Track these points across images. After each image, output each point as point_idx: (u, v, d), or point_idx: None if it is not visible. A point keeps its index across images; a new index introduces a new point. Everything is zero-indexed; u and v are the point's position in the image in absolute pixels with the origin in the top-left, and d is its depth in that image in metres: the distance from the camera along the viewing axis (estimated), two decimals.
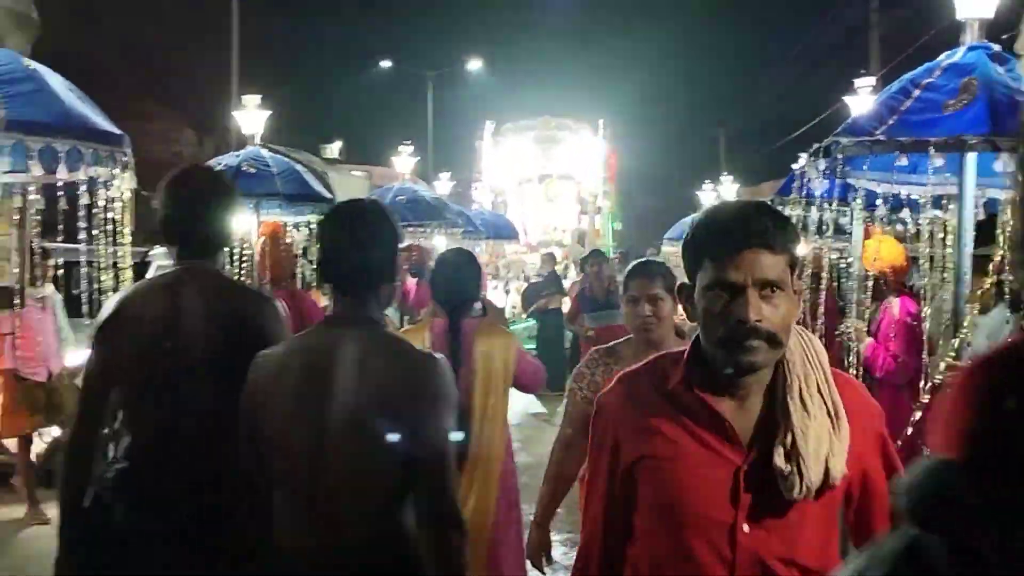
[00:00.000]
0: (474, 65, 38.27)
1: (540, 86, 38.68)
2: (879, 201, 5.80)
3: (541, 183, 20.59)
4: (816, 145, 4.98)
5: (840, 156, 4.39)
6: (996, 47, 4.05)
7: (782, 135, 30.28)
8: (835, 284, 8.23)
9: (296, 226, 8.30)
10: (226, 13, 23.06)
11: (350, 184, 21.59)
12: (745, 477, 2.18)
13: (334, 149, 37.93)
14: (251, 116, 7.90)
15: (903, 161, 3.98)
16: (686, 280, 2.30)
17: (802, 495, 2.13)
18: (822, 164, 4.73)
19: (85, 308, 5.59)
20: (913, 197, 5.40)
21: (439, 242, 11.35)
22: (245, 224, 7.90)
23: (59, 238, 5.84)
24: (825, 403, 2.21)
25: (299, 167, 8.32)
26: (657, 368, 2.42)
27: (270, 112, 8.09)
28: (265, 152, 7.89)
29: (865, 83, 6.83)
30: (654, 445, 2.30)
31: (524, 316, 15.51)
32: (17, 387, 7.13)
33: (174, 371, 3.24)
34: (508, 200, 20.47)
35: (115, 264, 5.28)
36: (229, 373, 2.94)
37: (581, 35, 51.02)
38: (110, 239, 5.34)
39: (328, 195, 8.14)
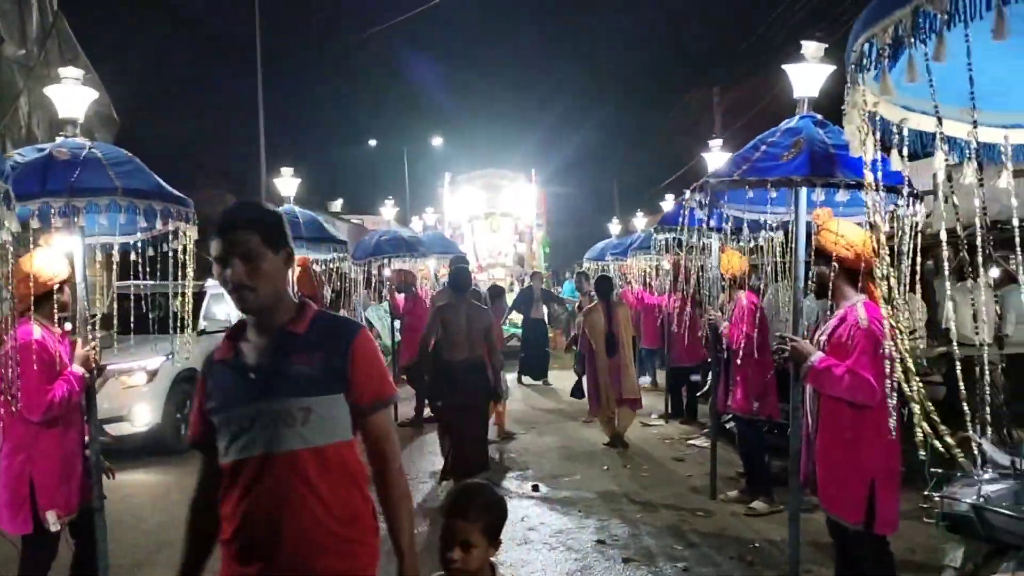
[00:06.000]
0: (437, 140, 38.43)
1: (487, 148, 39.24)
2: (726, 225, 5.96)
3: (487, 219, 20.62)
4: (694, 184, 5.07)
5: (710, 191, 4.47)
6: (819, 116, 4.21)
7: (657, 183, 30.74)
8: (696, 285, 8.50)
9: (324, 262, 8.72)
10: (254, 107, 22.84)
11: (350, 230, 21.60)
12: None
13: (337, 204, 37.86)
14: (286, 182, 8.13)
15: (750, 194, 4.10)
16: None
17: None
18: (696, 198, 4.80)
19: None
20: (769, 222, 5.55)
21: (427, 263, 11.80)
22: None
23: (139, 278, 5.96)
24: None
25: (320, 218, 8.57)
26: None
27: (300, 180, 8.25)
28: (296, 208, 8.03)
29: (716, 143, 7.06)
30: None
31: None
32: None
33: None
34: (463, 232, 20.45)
35: (182, 293, 5.59)
36: None
37: (517, 110, 52.23)
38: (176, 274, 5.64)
39: (342, 238, 8.39)
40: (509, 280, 19.66)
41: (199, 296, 9.86)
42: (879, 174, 2.14)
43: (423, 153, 38.84)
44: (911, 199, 4.15)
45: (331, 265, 9.01)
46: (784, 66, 4.32)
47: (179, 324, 7.24)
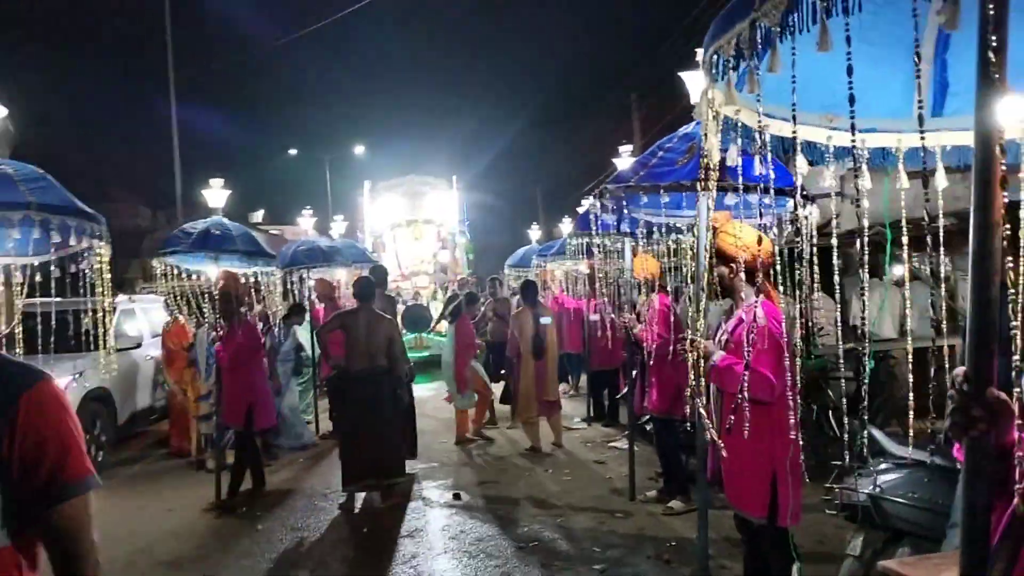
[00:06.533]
0: (359, 149, 38.11)
1: (409, 155, 39.14)
2: (639, 228, 6.06)
3: (409, 227, 20.35)
4: (596, 190, 5.15)
5: (610, 196, 4.54)
6: None
7: (578, 188, 31.07)
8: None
9: (254, 275, 8.38)
10: (168, 116, 22.31)
11: (268, 241, 21.20)
12: None
13: (258, 215, 37.28)
14: (215, 193, 7.93)
15: (644, 199, 4.19)
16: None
17: None
18: (599, 204, 4.89)
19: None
20: (679, 225, 5.68)
21: (339, 274, 11.61)
22: (210, 270, 7.73)
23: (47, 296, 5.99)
24: None
25: (253, 232, 8.37)
26: None
27: (230, 192, 8.07)
28: (226, 220, 7.82)
29: (626, 149, 7.20)
30: None
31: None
32: None
33: None
34: (385, 241, 20.18)
35: (94, 310, 5.70)
36: None
37: (439, 118, 52.41)
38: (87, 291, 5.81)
39: (272, 253, 8.20)
40: (432, 288, 19.53)
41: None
42: (739, 178, 2.22)
43: (345, 161, 38.55)
44: (804, 200, 4.31)
45: (258, 279, 8.80)
46: (680, 73, 4.44)
47: (90, 342, 7.03)
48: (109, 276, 6.08)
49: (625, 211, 5.61)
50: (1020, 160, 2.03)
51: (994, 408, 1.51)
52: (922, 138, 1.53)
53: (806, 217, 4.43)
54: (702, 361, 4.11)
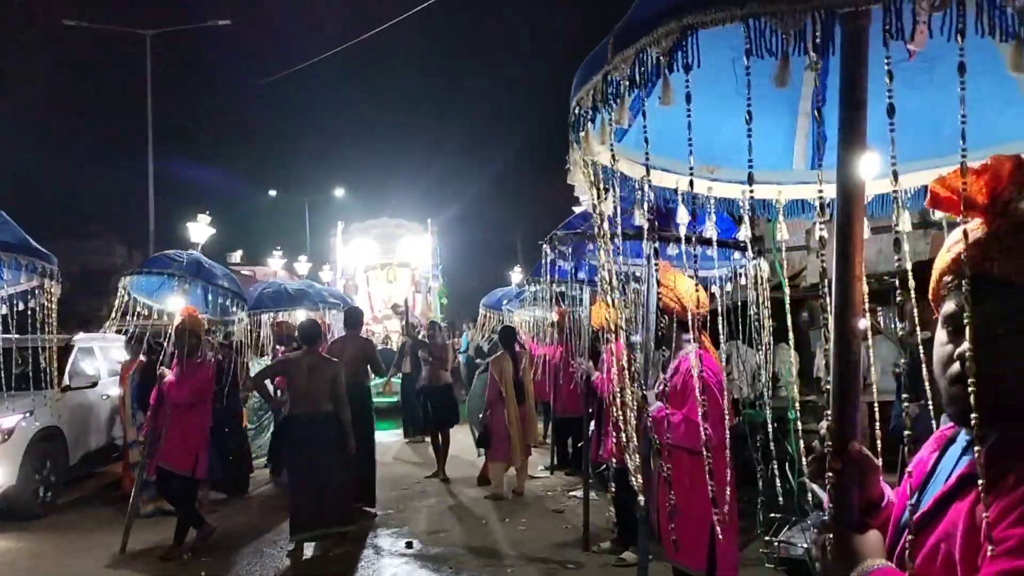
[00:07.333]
0: (338, 191, 38.23)
1: (386, 197, 39.13)
2: (598, 276, 6.07)
3: (383, 269, 20.27)
4: (547, 236, 5.17)
5: (558, 243, 4.56)
6: None
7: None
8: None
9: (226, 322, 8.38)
10: (144, 156, 22.35)
11: (242, 282, 21.10)
12: None
13: (236, 256, 37.20)
14: (200, 229, 7.98)
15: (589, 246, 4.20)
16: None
17: None
18: (549, 250, 4.91)
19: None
20: (637, 274, 5.70)
21: (300, 314, 11.15)
22: (173, 305, 7.58)
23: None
24: None
25: (230, 272, 8.36)
26: None
27: (214, 231, 8.10)
28: (203, 257, 7.87)
29: (587, 198, 7.26)
30: None
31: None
32: None
33: None
34: (357, 283, 20.07)
35: (46, 347, 5.83)
36: None
37: (416, 161, 52.85)
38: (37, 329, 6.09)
39: (246, 298, 8.19)
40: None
41: (66, 350, 9.48)
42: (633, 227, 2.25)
43: (324, 204, 38.68)
44: (754, 254, 4.36)
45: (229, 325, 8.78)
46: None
47: (40, 380, 6.95)
48: (55, 314, 6.11)
49: (585, 258, 5.65)
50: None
51: (857, 462, 1.52)
52: (751, 192, 1.56)
53: (755, 269, 4.49)
54: (637, 412, 4.12)
